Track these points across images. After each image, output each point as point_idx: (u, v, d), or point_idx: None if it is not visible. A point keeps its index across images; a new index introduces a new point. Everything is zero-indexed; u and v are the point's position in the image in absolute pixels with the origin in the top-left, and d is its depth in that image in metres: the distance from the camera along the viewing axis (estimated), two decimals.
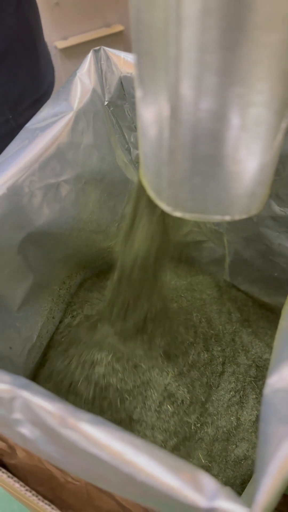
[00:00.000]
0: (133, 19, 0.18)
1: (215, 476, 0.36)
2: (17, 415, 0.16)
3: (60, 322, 0.44)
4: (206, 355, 0.43)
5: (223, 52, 0.16)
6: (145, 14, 0.17)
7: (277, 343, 0.24)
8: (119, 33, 1.06)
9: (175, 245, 0.45)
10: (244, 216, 0.23)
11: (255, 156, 0.20)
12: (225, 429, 0.38)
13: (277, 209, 0.37)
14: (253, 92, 0.17)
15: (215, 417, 0.39)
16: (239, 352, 0.44)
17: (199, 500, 0.14)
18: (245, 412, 0.39)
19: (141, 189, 0.25)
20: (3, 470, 0.24)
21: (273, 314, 0.48)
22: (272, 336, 0.46)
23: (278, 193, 0.36)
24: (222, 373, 0.42)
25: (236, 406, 0.40)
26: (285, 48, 0.17)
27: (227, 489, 0.15)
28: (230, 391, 0.41)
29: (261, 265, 0.43)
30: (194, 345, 0.43)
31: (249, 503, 0.15)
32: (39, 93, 0.54)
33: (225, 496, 0.14)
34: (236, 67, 0.17)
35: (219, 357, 0.43)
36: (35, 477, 0.28)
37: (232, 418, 0.39)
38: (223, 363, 0.43)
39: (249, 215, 0.23)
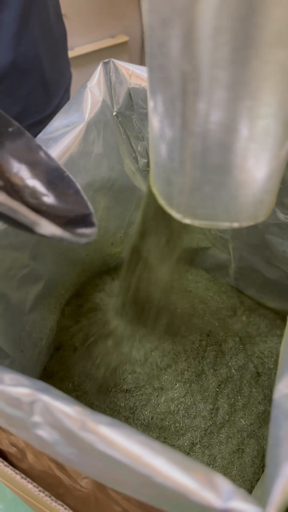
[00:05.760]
0: (147, 36, 0.19)
1: None
2: (37, 418, 0.17)
3: (66, 324, 0.45)
4: (219, 359, 0.43)
5: (233, 68, 0.17)
6: (158, 31, 0.18)
7: (284, 348, 0.24)
8: (124, 44, 1.08)
9: (180, 251, 0.46)
10: (251, 223, 0.24)
11: (263, 165, 0.21)
12: None
13: (282, 216, 0.37)
14: (262, 105, 0.18)
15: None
16: (250, 358, 0.44)
17: (214, 501, 0.15)
18: None
19: (150, 196, 0.26)
20: (17, 471, 0.24)
21: (281, 321, 0.48)
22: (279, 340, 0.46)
23: (283, 201, 0.36)
24: (230, 378, 0.42)
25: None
26: None
27: (242, 490, 0.15)
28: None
29: (266, 272, 0.44)
30: (206, 348, 0.43)
31: (260, 504, 0.15)
32: (42, 114, 0.53)
33: (240, 497, 0.15)
34: (245, 82, 0.17)
35: (232, 361, 0.43)
36: (44, 482, 0.28)
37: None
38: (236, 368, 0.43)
39: (256, 222, 0.24)
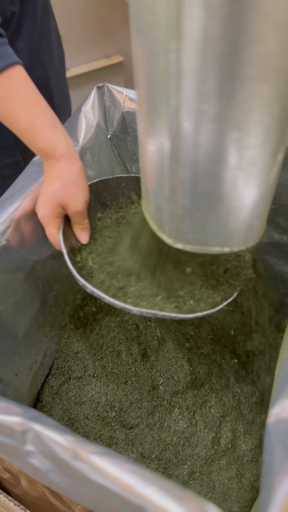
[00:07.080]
0: (136, 69, 0.20)
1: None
2: (29, 447, 0.17)
3: (62, 345, 0.44)
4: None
5: (220, 101, 0.18)
6: (147, 65, 0.19)
7: (279, 373, 0.24)
8: (119, 64, 1.11)
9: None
10: (242, 248, 0.24)
11: (252, 192, 0.21)
12: None
13: (275, 235, 0.38)
14: (248, 136, 0.19)
15: None
16: (253, 381, 0.44)
17: None
18: None
19: (143, 220, 0.26)
20: (10, 498, 0.24)
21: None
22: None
23: (276, 220, 0.37)
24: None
25: None
26: (276, 96, 0.18)
27: None
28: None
29: None
30: (211, 376, 0.43)
31: None
32: None
33: None
34: (232, 114, 0.18)
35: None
36: (38, 508, 0.28)
37: None
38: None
39: (247, 247, 0.24)
